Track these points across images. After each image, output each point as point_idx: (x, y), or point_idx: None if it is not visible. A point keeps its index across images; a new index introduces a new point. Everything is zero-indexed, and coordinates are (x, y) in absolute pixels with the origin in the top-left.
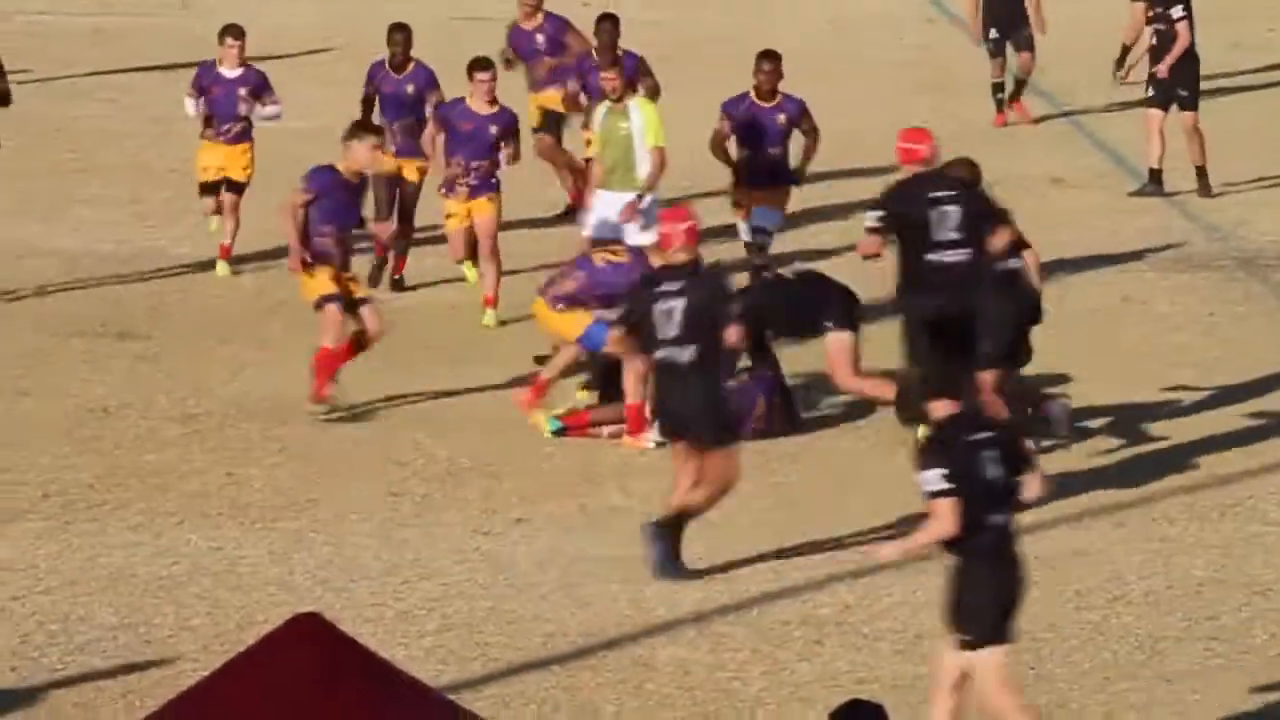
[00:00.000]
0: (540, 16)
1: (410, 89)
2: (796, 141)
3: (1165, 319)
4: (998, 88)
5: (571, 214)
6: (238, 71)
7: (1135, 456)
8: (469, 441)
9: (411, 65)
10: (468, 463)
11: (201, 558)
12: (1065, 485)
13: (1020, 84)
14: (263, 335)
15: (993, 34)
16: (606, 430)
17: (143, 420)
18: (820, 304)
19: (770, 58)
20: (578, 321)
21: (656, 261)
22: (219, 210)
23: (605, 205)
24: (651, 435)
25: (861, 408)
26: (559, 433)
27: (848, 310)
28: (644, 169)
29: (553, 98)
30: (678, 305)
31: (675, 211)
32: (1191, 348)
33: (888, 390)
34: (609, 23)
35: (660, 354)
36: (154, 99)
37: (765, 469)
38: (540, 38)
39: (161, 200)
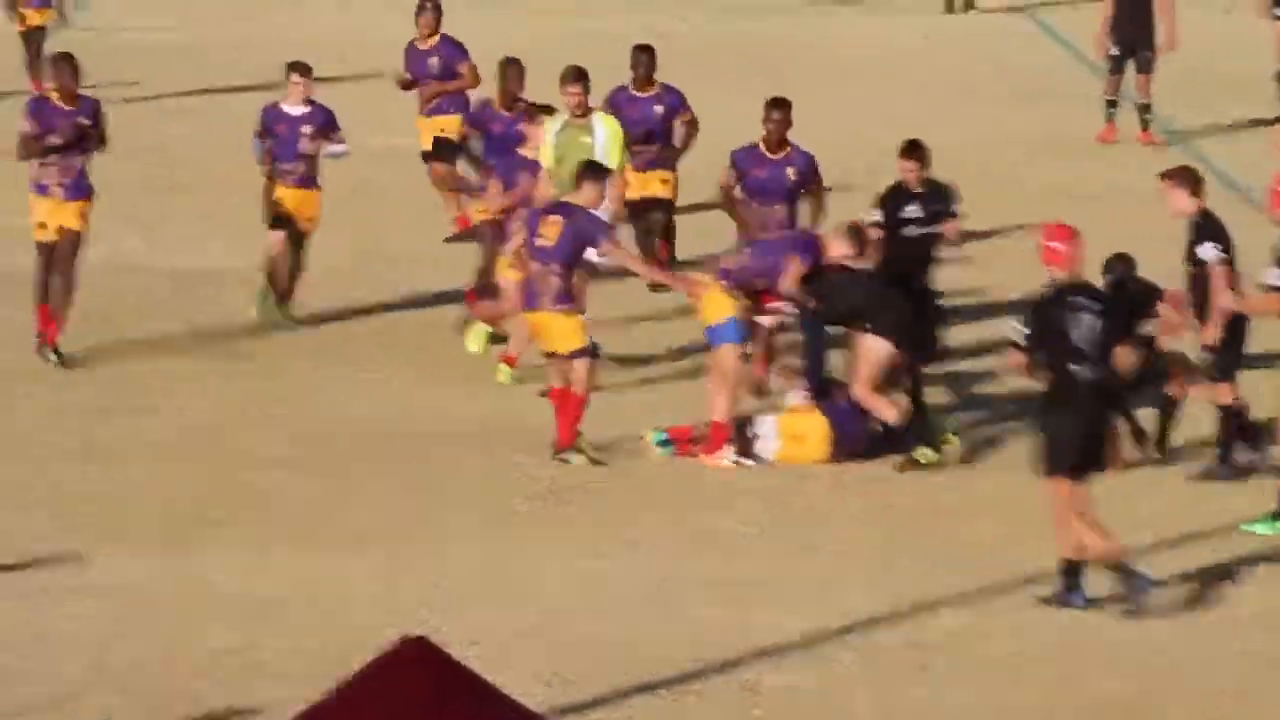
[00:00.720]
0: (436, 39)
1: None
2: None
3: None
4: (1111, 104)
5: (461, 238)
6: (303, 109)
7: (1244, 475)
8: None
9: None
10: (573, 484)
11: (309, 580)
12: (1176, 505)
13: (1143, 109)
14: (366, 355)
15: (1113, 50)
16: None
17: (249, 441)
18: (877, 305)
19: (779, 106)
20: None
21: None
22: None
23: None
24: (728, 454)
25: (969, 433)
26: (663, 444)
27: (897, 323)
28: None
29: (449, 122)
30: (1097, 324)
31: (1062, 229)
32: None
33: (890, 413)
34: (646, 54)
35: (1073, 369)
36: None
37: (871, 491)
38: (434, 60)
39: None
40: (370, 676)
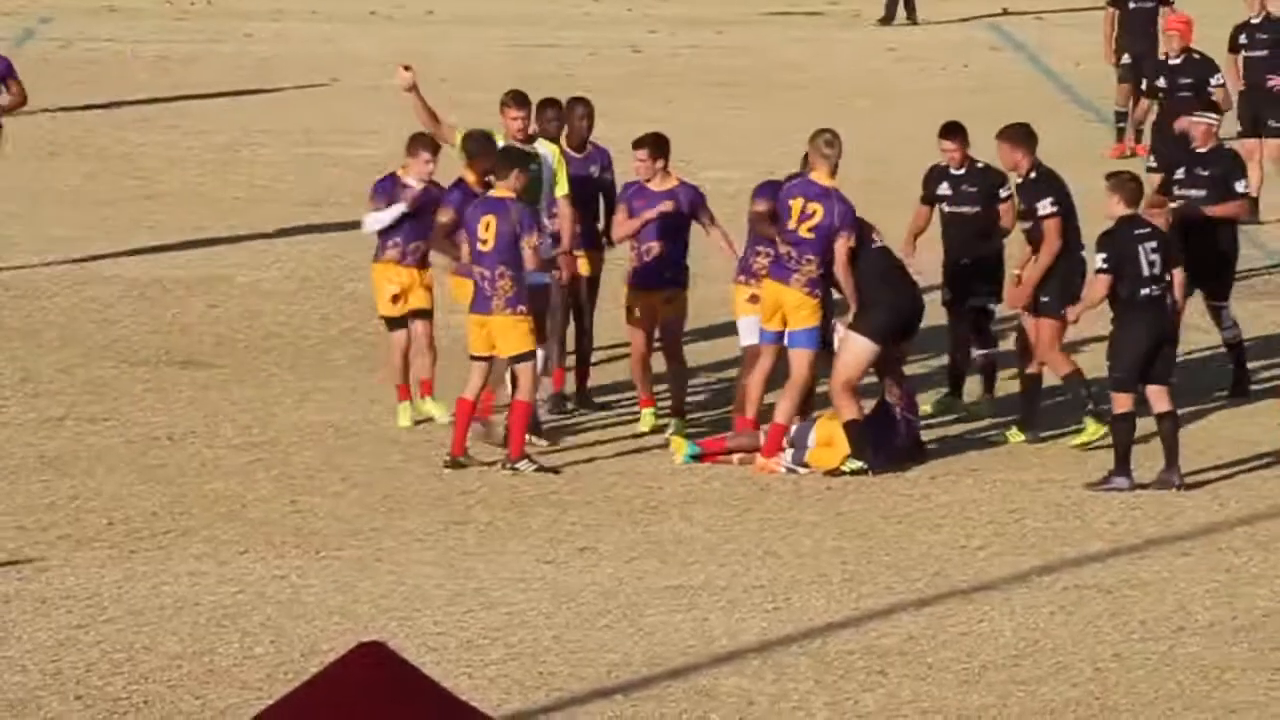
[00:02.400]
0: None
1: (594, 171)
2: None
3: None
4: (1120, 116)
5: None
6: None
7: (1199, 485)
8: (532, 470)
9: (590, 147)
10: (532, 491)
11: (265, 586)
12: (1128, 514)
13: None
14: (327, 364)
15: (1125, 59)
16: (737, 457)
17: (207, 448)
18: (870, 300)
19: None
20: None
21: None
22: (407, 350)
23: None
24: (786, 459)
25: (930, 437)
26: (695, 459)
27: (884, 325)
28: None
29: None
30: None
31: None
32: (1259, 375)
33: (849, 413)
34: (584, 107)
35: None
36: (218, 125)
37: (830, 498)
38: None
39: (226, 227)
40: (325, 681)
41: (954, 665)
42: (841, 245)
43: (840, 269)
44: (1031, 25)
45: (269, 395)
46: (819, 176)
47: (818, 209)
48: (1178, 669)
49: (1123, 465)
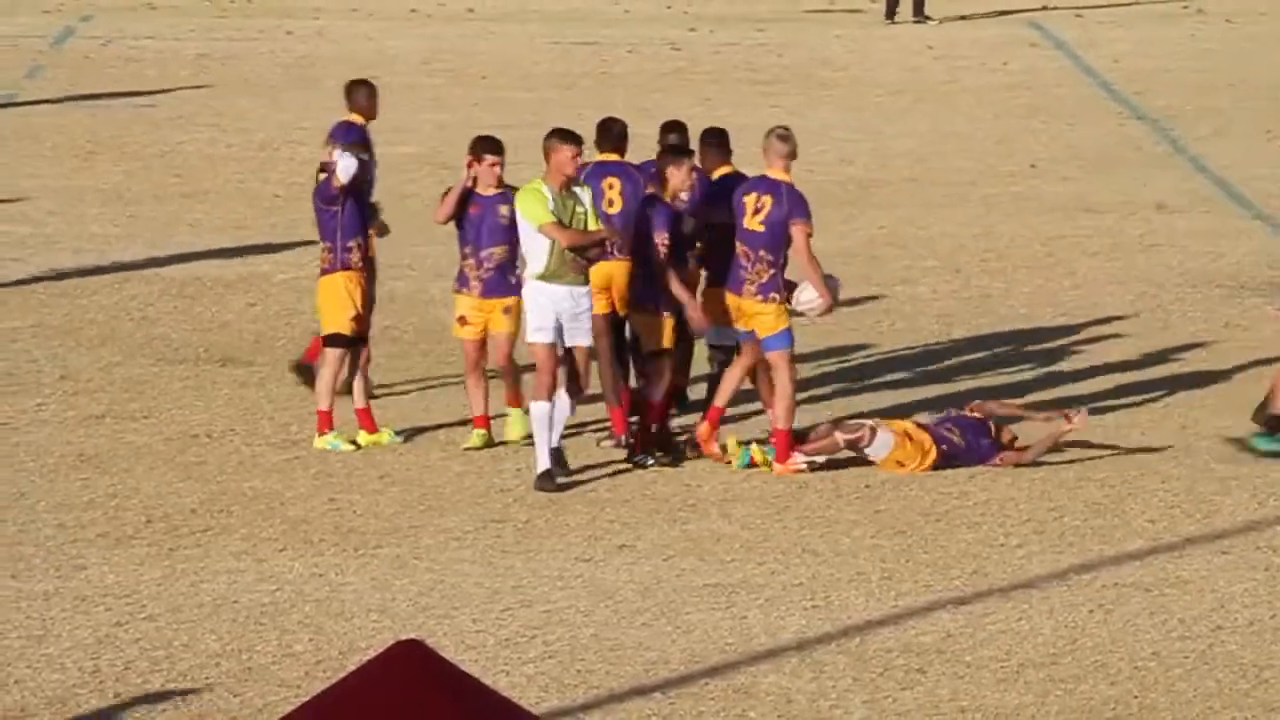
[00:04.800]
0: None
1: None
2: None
3: (1269, 345)
4: None
5: None
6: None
7: (1238, 483)
8: (571, 468)
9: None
10: (570, 489)
11: (304, 584)
12: (1167, 513)
13: None
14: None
15: None
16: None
17: (246, 446)
18: None
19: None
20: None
21: None
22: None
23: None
24: (799, 459)
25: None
26: (748, 466)
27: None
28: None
29: None
30: None
31: None
32: None
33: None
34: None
35: None
36: (257, 124)
37: (868, 496)
38: None
39: (266, 225)
40: (362, 679)
41: (992, 663)
42: (799, 232)
43: (801, 256)
44: (1072, 22)
45: (308, 393)
46: (774, 172)
47: (768, 200)
48: (1216, 667)
49: None
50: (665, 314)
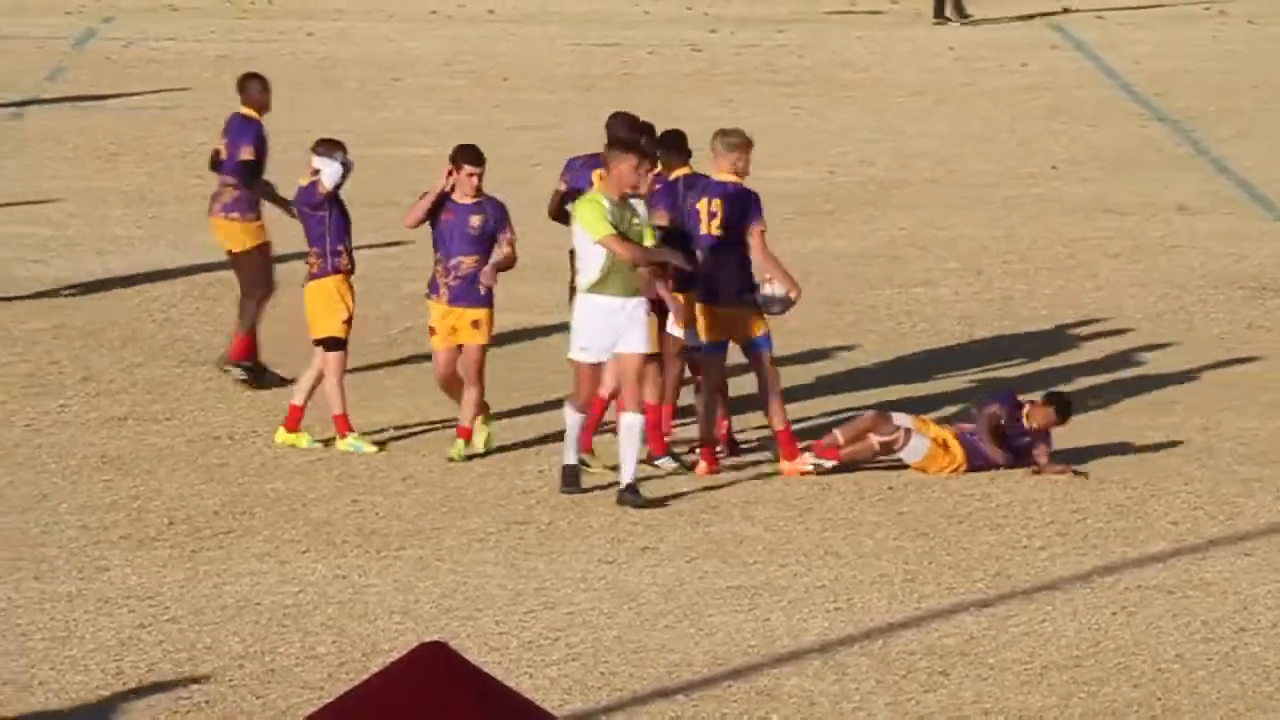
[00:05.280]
0: None
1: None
2: None
3: None
4: None
5: None
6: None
7: (1262, 485)
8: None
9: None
10: (593, 491)
11: (327, 586)
12: (1190, 514)
13: None
14: (388, 362)
15: None
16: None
17: (268, 448)
18: None
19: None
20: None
21: None
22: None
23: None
24: (807, 458)
25: None
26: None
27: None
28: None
29: None
30: None
31: None
32: None
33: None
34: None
35: None
36: (277, 125)
37: (891, 498)
38: None
39: (287, 226)
40: (385, 680)
41: (1016, 666)
42: (754, 233)
43: (758, 255)
44: (1092, 24)
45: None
46: (721, 175)
47: (719, 204)
48: (1240, 670)
49: None
50: (652, 316)
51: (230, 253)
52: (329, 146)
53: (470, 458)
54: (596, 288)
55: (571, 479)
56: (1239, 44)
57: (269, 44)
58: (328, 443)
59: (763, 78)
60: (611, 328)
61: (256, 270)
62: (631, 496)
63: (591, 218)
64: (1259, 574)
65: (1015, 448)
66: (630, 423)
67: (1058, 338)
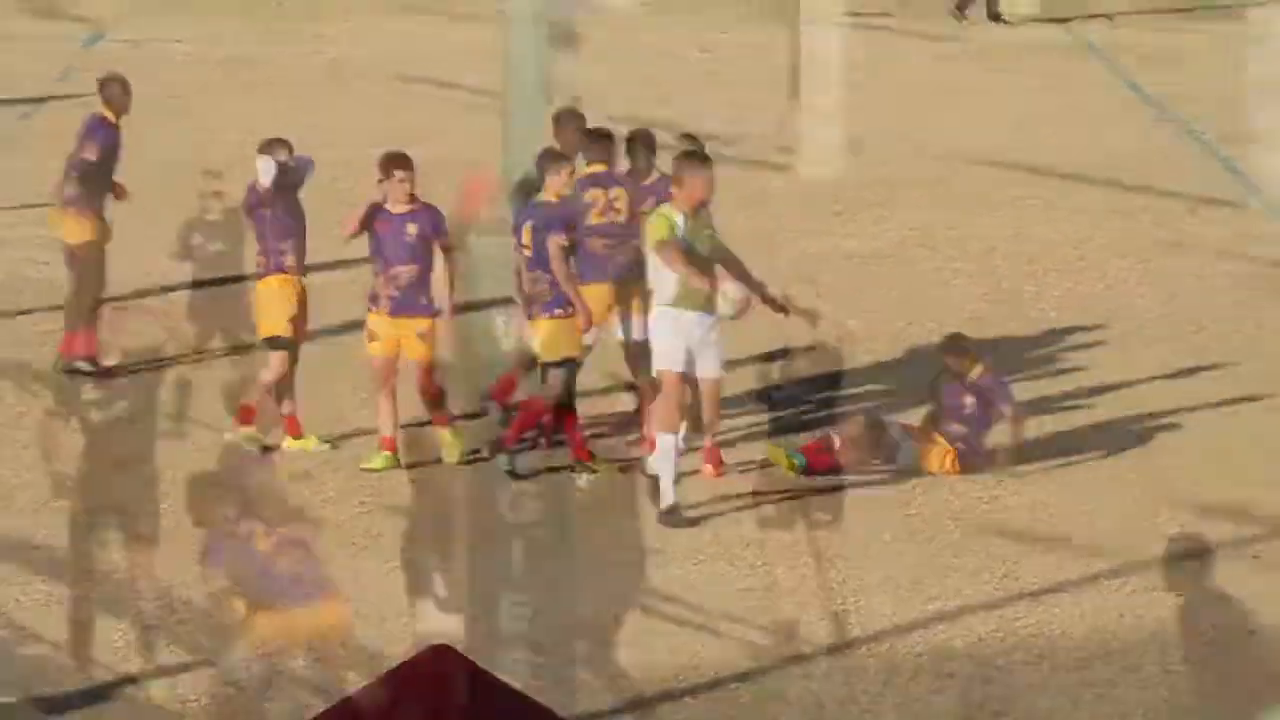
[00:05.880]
0: None
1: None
2: None
3: None
4: None
5: None
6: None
7: (1271, 486)
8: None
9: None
10: (597, 494)
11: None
12: (1199, 516)
13: None
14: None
15: None
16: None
17: (280, 454)
18: None
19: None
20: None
21: None
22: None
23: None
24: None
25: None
26: (803, 470)
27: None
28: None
29: None
30: None
31: None
32: None
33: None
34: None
35: None
36: (286, 126)
37: (898, 500)
38: None
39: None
40: (393, 682)
41: (1023, 667)
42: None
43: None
44: (1103, 24)
45: (338, 394)
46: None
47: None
48: (1249, 674)
49: None
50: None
51: (68, 245)
52: (271, 146)
53: (399, 466)
54: (674, 303)
55: (675, 516)
56: (1248, 46)
57: (278, 46)
58: (334, 443)
59: (769, 77)
60: (692, 342)
61: (93, 265)
62: (673, 518)
63: (653, 230)
64: (1267, 576)
65: (968, 414)
66: (664, 444)
67: (1067, 338)
